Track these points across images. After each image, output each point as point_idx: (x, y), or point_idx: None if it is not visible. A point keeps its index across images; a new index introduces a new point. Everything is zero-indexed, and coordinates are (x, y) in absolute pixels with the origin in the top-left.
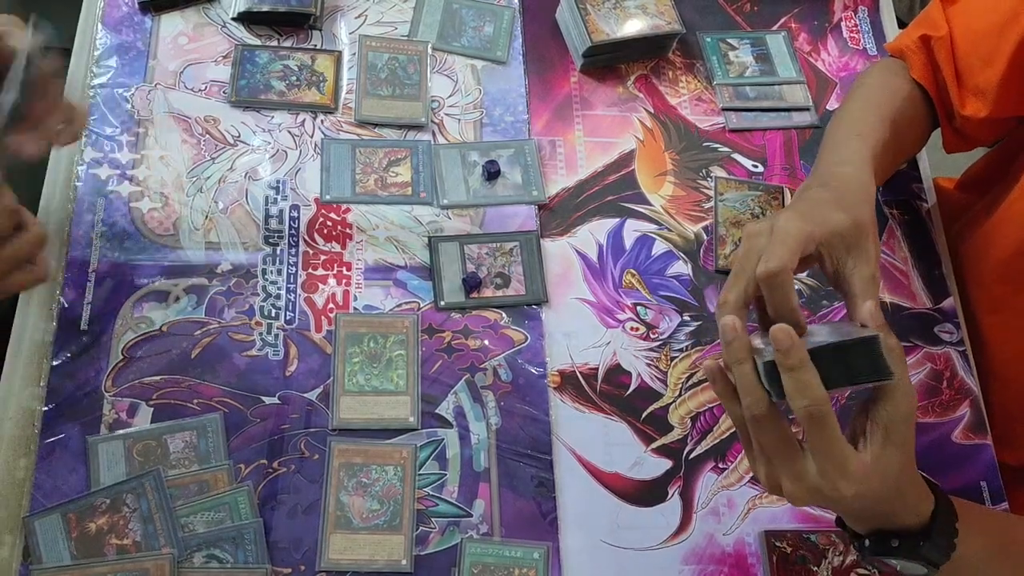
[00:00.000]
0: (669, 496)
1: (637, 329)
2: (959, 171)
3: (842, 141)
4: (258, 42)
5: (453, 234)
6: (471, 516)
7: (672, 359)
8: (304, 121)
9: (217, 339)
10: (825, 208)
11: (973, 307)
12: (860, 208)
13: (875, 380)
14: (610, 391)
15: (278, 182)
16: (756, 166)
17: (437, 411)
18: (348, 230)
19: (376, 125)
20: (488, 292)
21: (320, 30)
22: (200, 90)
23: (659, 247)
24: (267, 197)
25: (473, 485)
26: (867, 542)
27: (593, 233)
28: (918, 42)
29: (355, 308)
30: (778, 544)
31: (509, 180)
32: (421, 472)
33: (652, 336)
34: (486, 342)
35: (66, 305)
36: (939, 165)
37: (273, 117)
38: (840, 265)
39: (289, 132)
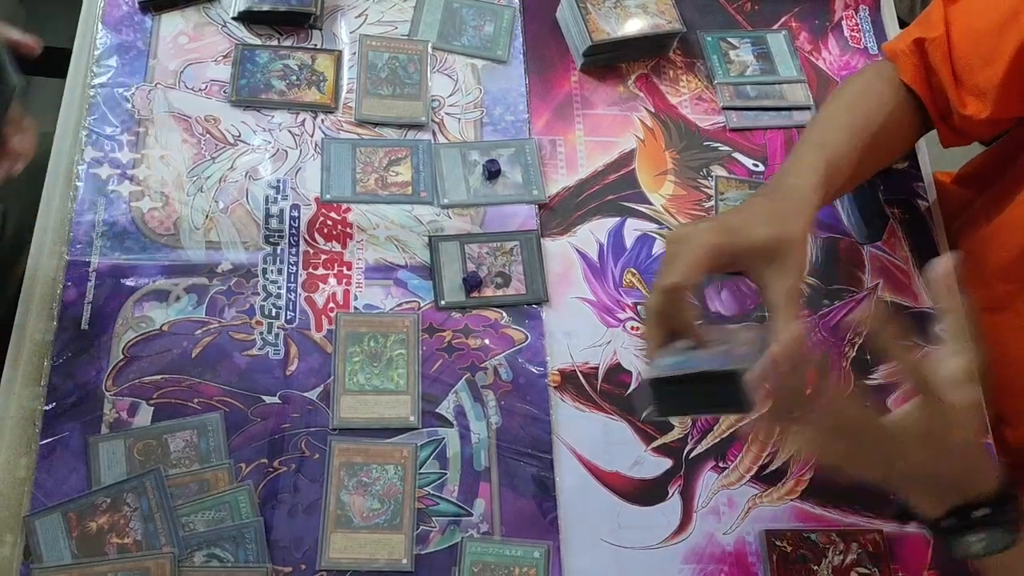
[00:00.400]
0: (669, 495)
1: (638, 328)
2: (958, 165)
3: (803, 148)
4: (258, 41)
5: (453, 233)
6: (471, 515)
7: None
8: (304, 120)
9: (217, 338)
10: (751, 220)
11: (973, 305)
12: (791, 222)
13: (734, 412)
14: (610, 390)
15: (278, 181)
16: (757, 165)
17: (437, 410)
18: (348, 229)
19: (376, 124)
20: (488, 291)
21: (320, 29)
22: (200, 90)
23: (660, 246)
24: (267, 196)
25: (473, 484)
26: (946, 522)
27: (593, 232)
28: (911, 45)
29: (355, 307)
30: (778, 543)
31: (509, 179)
32: (421, 471)
33: None
34: (487, 341)
35: (66, 305)
36: (938, 159)
37: (273, 116)
38: (759, 277)
39: (289, 131)
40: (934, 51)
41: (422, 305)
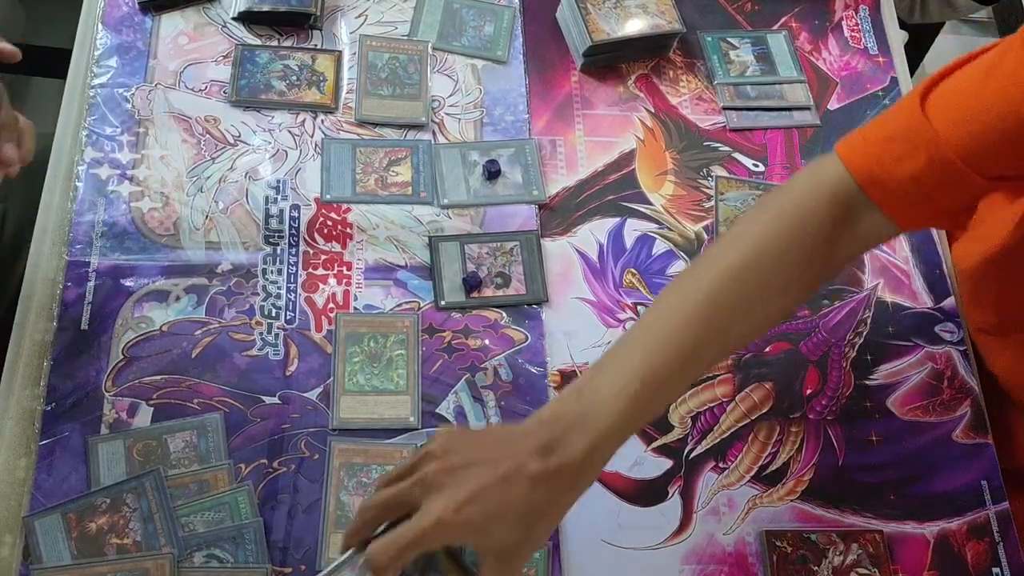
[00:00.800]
0: (669, 496)
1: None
2: None
3: (625, 370)
4: (258, 42)
5: (453, 234)
6: None
7: None
8: (304, 121)
9: (217, 339)
10: (503, 516)
11: (975, 326)
12: (549, 519)
13: None
14: None
15: (278, 182)
16: (757, 165)
17: (437, 411)
18: (348, 230)
19: (376, 125)
20: (488, 292)
21: (320, 30)
22: (200, 90)
23: (660, 246)
24: (267, 197)
25: None
26: None
27: (593, 232)
28: (909, 184)
29: (355, 308)
30: (778, 544)
31: (509, 180)
32: None
33: None
34: (486, 342)
35: (66, 305)
36: None
37: (273, 117)
38: (479, 556)
39: (289, 132)
40: (936, 159)
41: (422, 305)
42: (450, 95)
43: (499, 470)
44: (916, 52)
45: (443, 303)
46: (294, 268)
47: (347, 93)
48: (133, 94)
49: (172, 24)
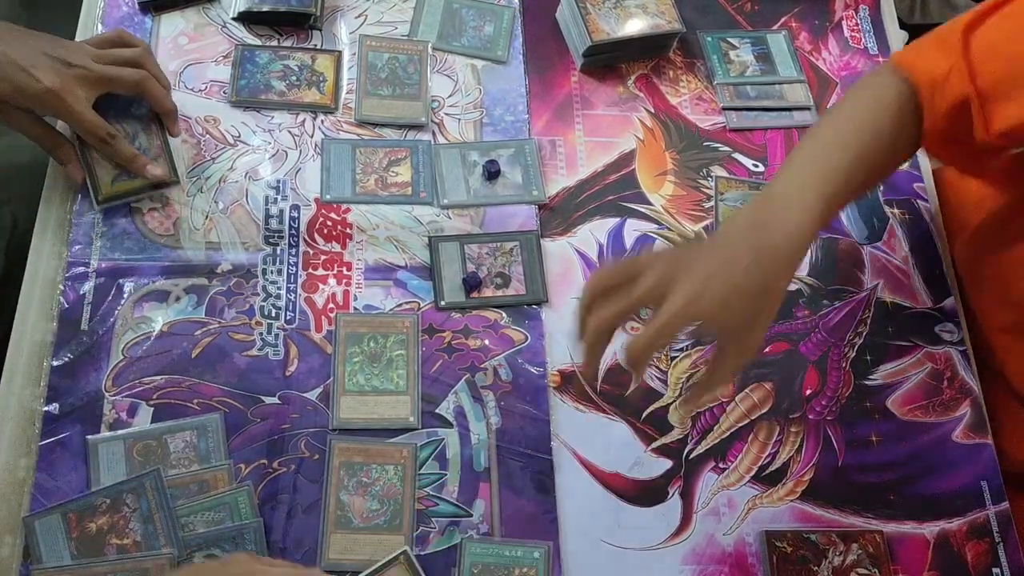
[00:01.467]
0: (669, 496)
1: (637, 329)
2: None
3: (808, 168)
4: (258, 42)
5: (453, 234)
6: (471, 516)
7: (672, 359)
8: (304, 121)
9: (217, 339)
10: (730, 294)
11: (991, 325)
12: (768, 297)
13: None
14: (610, 391)
15: (278, 182)
16: (757, 165)
17: (437, 411)
18: (348, 230)
19: (376, 125)
20: (488, 292)
21: (320, 30)
22: (200, 90)
23: (660, 247)
24: (267, 197)
25: (473, 485)
26: None
27: (593, 233)
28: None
29: (355, 308)
30: (778, 544)
31: (509, 180)
32: (421, 472)
33: None
34: (486, 342)
35: (66, 305)
36: None
37: (273, 117)
38: (717, 343)
39: (289, 132)
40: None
41: (422, 306)
42: (450, 95)
43: (717, 259)
44: None
45: (443, 303)
46: (294, 268)
47: (347, 93)
48: None
49: (172, 24)
